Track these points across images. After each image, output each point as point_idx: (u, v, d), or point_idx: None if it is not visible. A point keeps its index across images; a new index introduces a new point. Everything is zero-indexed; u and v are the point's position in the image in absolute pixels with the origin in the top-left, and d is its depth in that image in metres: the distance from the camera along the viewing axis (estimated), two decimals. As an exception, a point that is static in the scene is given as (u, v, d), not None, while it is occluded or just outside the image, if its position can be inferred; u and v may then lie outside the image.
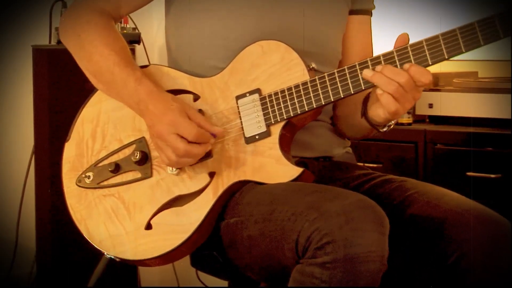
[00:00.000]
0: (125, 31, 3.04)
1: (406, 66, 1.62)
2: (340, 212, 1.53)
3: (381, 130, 1.76)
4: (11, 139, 3.30)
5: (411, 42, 1.63)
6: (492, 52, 2.72)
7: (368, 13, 1.97)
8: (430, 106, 2.65)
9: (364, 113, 1.75)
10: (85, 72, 1.83)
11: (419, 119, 2.71)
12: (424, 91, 2.65)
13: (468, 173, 2.46)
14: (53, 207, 2.87)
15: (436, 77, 2.76)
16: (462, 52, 1.59)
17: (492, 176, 2.42)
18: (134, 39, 3.02)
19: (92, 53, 1.79)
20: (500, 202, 2.39)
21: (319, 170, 1.85)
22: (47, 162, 2.89)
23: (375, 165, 2.60)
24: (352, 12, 1.94)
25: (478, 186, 2.43)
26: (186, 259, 1.88)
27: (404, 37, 1.64)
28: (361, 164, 1.99)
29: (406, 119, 2.66)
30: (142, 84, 1.74)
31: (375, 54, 1.70)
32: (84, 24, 1.81)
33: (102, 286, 2.80)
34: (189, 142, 1.68)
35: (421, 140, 2.58)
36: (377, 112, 1.70)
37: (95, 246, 1.79)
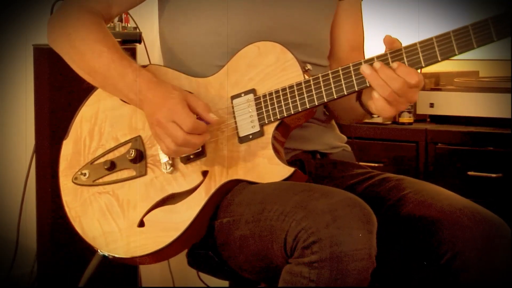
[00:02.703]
0: (126, 30, 3.04)
1: (394, 65, 1.62)
2: (326, 210, 1.53)
3: (373, 115, 1.75)
4: (12, 138, 3.30)
5: (405, 44, 1.64)
6: (493, 52, 2.73)
7: None
8: (431, 105, 2.65)
9: (359, 98, 1.76)
10: (78, 72, 1.82)
11: (420, 118, 2.71)
12: (425, 90, 2.67)
13: (469, 173, 2.46)
14: (53, 207, 2.87)
15: (437, 76, 2.77)
16: (455, 54, 1.60)
17: (493, 175, 2.42)
18: (135, 38, 3.01)
19: (85, 51, 1.78)
20: (501, 202, 2.39)
21: (315, 169, 1.86)
22: (48, 162, 2.89)
23: (375, 165, 2.60)
24: None
25: (479, 186, 2.43)
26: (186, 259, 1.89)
27: (389, 38, 1.64)
28: (361, 163, 1.99)
29: (407, 118, 2.66)
30: (141, 75, 1.74)
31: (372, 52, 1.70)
32: (74, 23, 1.80)
33: (99, 285, 2.80)
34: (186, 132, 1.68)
35: (422, 139, 2.58)
36: (369, 104, 1.70)
37: (89, 243, 1.80)
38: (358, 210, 1.55)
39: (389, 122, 2.70)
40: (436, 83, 2.74)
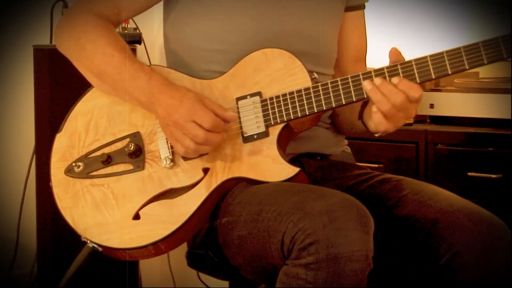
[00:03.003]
0: (126, 31, 3.04)
1: (395, 80, 1.63)
2: (323, 212, 1.53)
3: (375, 135, 1.77)
4: (12, 138, 3.30)
5: (415, 56, 1.66)
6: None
7: (362, 7, 1.99)
8: (431, 106, 2.65)
9: (361, 117, 1.77)
10: (86, 75, 1.83)
11: (420, 119, 2.71)
12: (425, 91, 2.66)
13: (469, 173, 2.46)
14: (53, 206, 2.87)
15: (437, 77, 2.76)
16: (465, 69, 1.63)
17: (493, 176, 2.42)
18: (135, 39, 3.02)
19: (95, 54, 1.79)
20: (501, 203, 2.39)
21: (315, 170, 1.86)
22: (48, 161, 2.89)
23: (375, 165, 2.60)
24: (347, 9, 1.95)
25: (479, 187, 2.43)
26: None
27: (395, 51, 1.65)
28: (361, 164, 1.99)
29: (407, 119, 2.66)
30: (153, 77, 1.74)
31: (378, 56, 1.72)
32: (83, 26, 1.81)
33: (98, 285, 2.80)
34: (206, 130, 1.69)
35: (422, 140, 2.58)
36: (369, 123, 1.72)
37: (79, 233, 1.79)
38: (355, 212, 1.55)
39: (389, 123, 2.70)
40: (436, 84, 2.74)
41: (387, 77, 1.65)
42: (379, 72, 1.66)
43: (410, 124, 2.66)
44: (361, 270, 1.52)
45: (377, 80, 1.64)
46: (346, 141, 1.98)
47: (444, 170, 2.52)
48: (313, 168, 1.86)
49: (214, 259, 1.78)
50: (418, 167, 2.57)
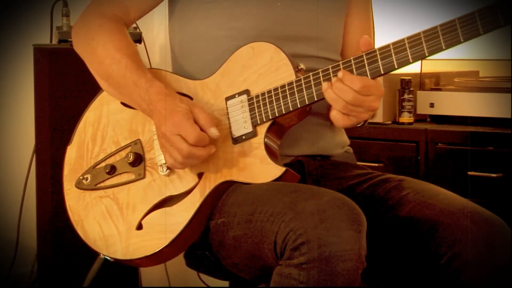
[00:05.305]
0: (126, 31, 3.04)
1: (340, 74, 1.62)
2: (314, 211, 1.53)
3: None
4: (12, 138, 3.30)
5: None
6: (493, 51, 2.72)
7: None
8: (431, 105, 2.65)
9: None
10: (96, 77, 1.85)
11: (420, 118, 2.71)
12: (425, 90, 2.67)
13: (469, 173, 2.45)
14: (54, 206, 2.87)
15: (437, 76, 2.77)
16: (442, 50, 1.57)
17: (493, 175, 2.41)
18: (135, 39, 3.02)
19: (104, 57, 1.80)
20: (501, 202, 2.39)
21: (315, 169, 1.85)
22: (48, 161, 2.89)
23: (376, 165, 2.60)
24: None
25: (479, 186, 2.43)
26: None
27: (366, 39, 1.63)
28: (361, 163, 1.99)
29: (407, 118, 2.66)
30: (153, 86, 1.75)
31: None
32: (97, 29, 1.83)
33: (100, 285, 2.80)
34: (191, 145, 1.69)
35: (422, 139, 2.57)
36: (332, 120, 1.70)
37: (90, 246, 1.81)
38: (346, 210, 1.54)
39: (389, 122, 2.70)
40: (436, 83, 2.74)
41: (354, 69, 1.63)
42: (347, 65, 1.64)
43: (411, 124, 2.66)
44: (354, 269, 1.51)
45: (334, 79, 1.63)
46: (348, 141, 1.98)
47: (444, 169, 2.52)
48: (313, 167, 1.86)
49: (211, 259, 1.79)
50: (418, 167, 2.57)
